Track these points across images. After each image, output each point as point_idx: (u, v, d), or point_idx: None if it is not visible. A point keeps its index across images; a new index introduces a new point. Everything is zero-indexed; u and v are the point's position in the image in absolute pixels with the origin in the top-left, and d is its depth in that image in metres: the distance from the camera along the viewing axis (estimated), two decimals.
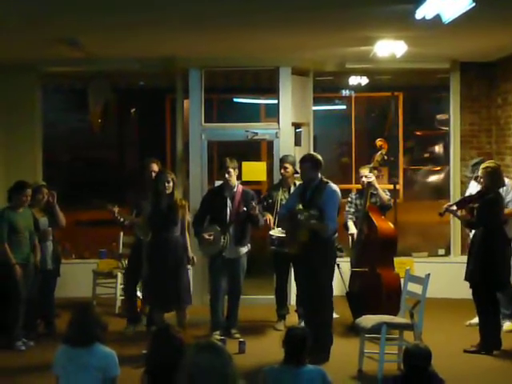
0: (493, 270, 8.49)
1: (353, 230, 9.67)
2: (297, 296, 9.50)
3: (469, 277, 8.71)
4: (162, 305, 8.55)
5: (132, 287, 9.67)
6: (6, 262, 8.76)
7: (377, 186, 9.54)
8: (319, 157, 8.48)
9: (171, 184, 8.49)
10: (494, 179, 8.57)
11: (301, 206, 8.35)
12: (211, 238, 9.12)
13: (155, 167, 9.47)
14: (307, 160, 8.42)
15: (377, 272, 9.30)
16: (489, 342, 8.51)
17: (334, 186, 8.37)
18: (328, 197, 8.23)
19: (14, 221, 8.80)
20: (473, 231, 8.97)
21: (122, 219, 9.42)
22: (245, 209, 9.14)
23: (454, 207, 8.95)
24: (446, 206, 9.01)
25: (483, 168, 8.68)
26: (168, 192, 8.48)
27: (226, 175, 9.19)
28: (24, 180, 9.12)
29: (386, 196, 9.60)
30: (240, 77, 12.76)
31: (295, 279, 8.80)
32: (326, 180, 8.39)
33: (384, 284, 9.19)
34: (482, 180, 8.71)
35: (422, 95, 15.62)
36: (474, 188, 9.50)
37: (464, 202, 9.02)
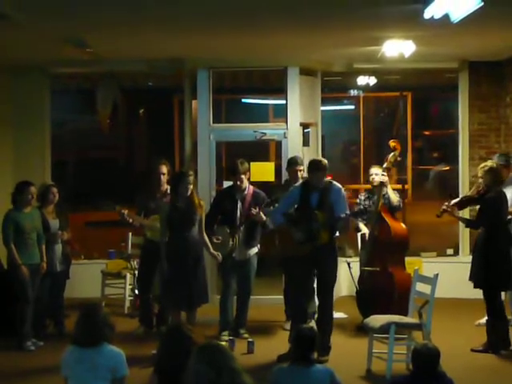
0: (495, 271, 8.46)
1: (364, 229, 9.65)
2: (289, 296, 9.41)
3: (473, 277, 8.70)
4: (180, 304, 8.50)
5: (146, 291, 9.61)
6: (13, 263, 8.78)
7: (388, 186, 9.54)
8: (326, 161, 8.51)
9: (191, 186, 8.47)
10: (493, 177, 8.55)
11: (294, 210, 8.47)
12: (219, 241, 9.11)
13: (164, 169, 9.47)
14: (323, 169, 8.29)
15: (389, 271, 9.30)
16: (496, 341, 8.49)
17: (338, 184, 8.44)
18: (337, 195, 8.27)
19: (19, 222, 8.78)
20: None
21: (131, 221, 9.42)
22: (255, 211, 9.14)
23: (455, 208, 8.94)
24: (444, 206, 8.97)
25: (481, 167, 8.67)
26: (188, 194, 8.46)
27: (238, 182, 9.20)
28: (27, 180, 9.10)
29: (395, 197, 9.58)
30: (248, 77, 12.76)
31: (297, 280, 8.54)
32: (328, 180, 8.42)
33: (396, 283, 9.20)
34: (480, 180, 8.68)
35: (430, 95, 15.62)
36: None
37: (464, 202, 9.01)
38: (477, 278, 8.61)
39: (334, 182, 8.43)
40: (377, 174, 9.58)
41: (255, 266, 9.42)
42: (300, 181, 9.00)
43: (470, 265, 8.85)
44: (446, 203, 9.00)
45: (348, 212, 8.28)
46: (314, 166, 8.37)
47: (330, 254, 8.36)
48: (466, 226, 9.38)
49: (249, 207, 9.22)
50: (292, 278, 8.85)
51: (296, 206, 8.45)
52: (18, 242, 8.77)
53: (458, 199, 9.35)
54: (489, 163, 8.78)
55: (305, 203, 8.33)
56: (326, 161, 8.51)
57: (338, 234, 8.58)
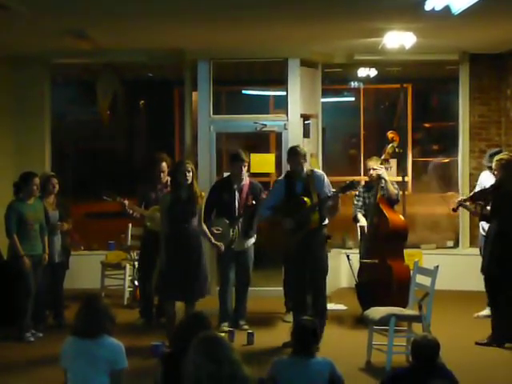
0: (506, 265, 8.43)
1: (363, 222, 9.65)
2: (289, 288, 9.42)
3: (485, 270, 8.66)
4: (178, 296, 8.45)
5: (146, 282, 9.57)
6: (15, 253, 8.77)
7: (386, 178, 9.51)
8: (305, 148, 8.71)
9: (191, 174, 8.41)
10: (508, 171, 8.49)
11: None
12: (220, 232, 9.12)
13: (164, 167, 9.46)
14: (297, 153, 8.48)
15: (387, 263, 9.29)
16: (500, 334, 8.47)
17: (320, 171, 8.80)
18: (320, 181, 8.43)
19: (23, 213, 8.76)
20: (482, 225, 8.92)
21: (131, 211, 9.42)
22: (253, 202, 9.16)
23: (467, 201, 8.91)
24: (458, 200, 8.96)
25: (497, 160, 8.57)
26: (187, 182, 8.40)
27: (243, 167, 9.22)
28: (31, 171, 9.08)
29: (394, 190, 9.54)
30: (249, 68, 12.74)
31: (294, 269, 8.67)
32: (310, 168, 8.65)
33: (394, 275, 9.19)
34: (495, 172, 8.64)
35: (431, 87, 15.60)
36: (486, 177, 9.46)
37: (478, 196, 8.95)
38: (490, 271, 8.56)
39: (316, 170, 8.76)
40: (374, 168, 9.56)
41: (252, 257, 9.43)
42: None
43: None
44: (461, 197, 9.01)
45: (334, 191, 8.36)
46: (291, 151, 8.63)
47: (317, 240, 8.43)
48: (480, 220, 9.30)
49: (246, 197, 9.25)
50: (288, 268, 8.96)
51: (284, 197, 8.57)
52: (21, 233, 8.75)
53: (472, 193, 9.32)
54: (505, 156, 8.67)
55: (291, 193, 8.48)
56: (302, 147, 8.77)
57: (327, 220, 8.59)
